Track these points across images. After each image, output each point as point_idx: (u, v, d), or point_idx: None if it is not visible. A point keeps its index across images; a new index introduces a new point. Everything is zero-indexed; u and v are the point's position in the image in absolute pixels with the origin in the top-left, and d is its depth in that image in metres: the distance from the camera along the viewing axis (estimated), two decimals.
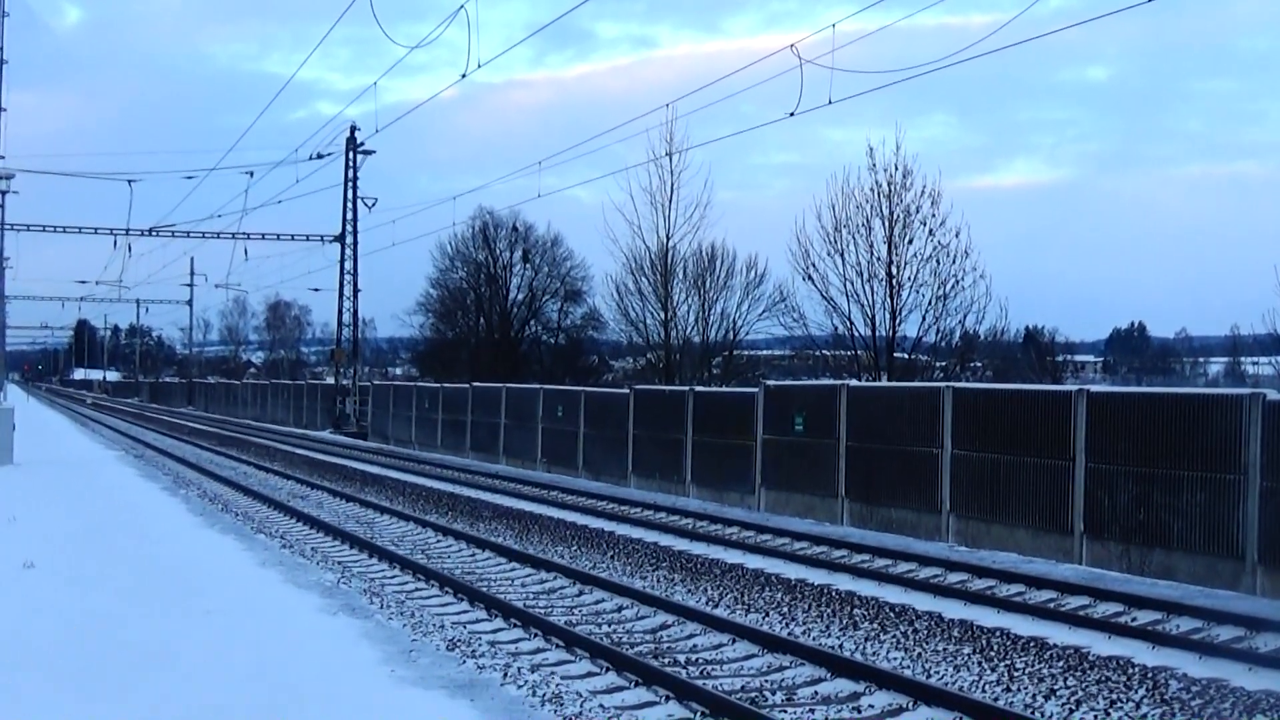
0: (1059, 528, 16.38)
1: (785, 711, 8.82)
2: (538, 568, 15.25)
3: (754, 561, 15.75)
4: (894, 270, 33.21)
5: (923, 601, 12.80)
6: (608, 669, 10.00)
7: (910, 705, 8.95)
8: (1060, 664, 10.15)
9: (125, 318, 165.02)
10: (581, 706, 8.66)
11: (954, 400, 18.52)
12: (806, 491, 21.75)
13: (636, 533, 18.69)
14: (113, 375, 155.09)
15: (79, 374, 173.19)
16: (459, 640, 10.67)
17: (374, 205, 53.01)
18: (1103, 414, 15.97)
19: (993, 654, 10.54)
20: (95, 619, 10.71)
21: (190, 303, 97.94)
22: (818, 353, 37.87)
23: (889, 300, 33.38)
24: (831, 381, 26.00)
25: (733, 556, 16.21)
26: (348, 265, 54.05)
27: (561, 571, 14.77)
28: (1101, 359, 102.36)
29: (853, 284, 33.84)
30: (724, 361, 47.14)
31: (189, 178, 45.85)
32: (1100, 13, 16.86)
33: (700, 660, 10.46)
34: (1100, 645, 10.77)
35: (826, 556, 16.38)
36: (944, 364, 34.67)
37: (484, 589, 13.62)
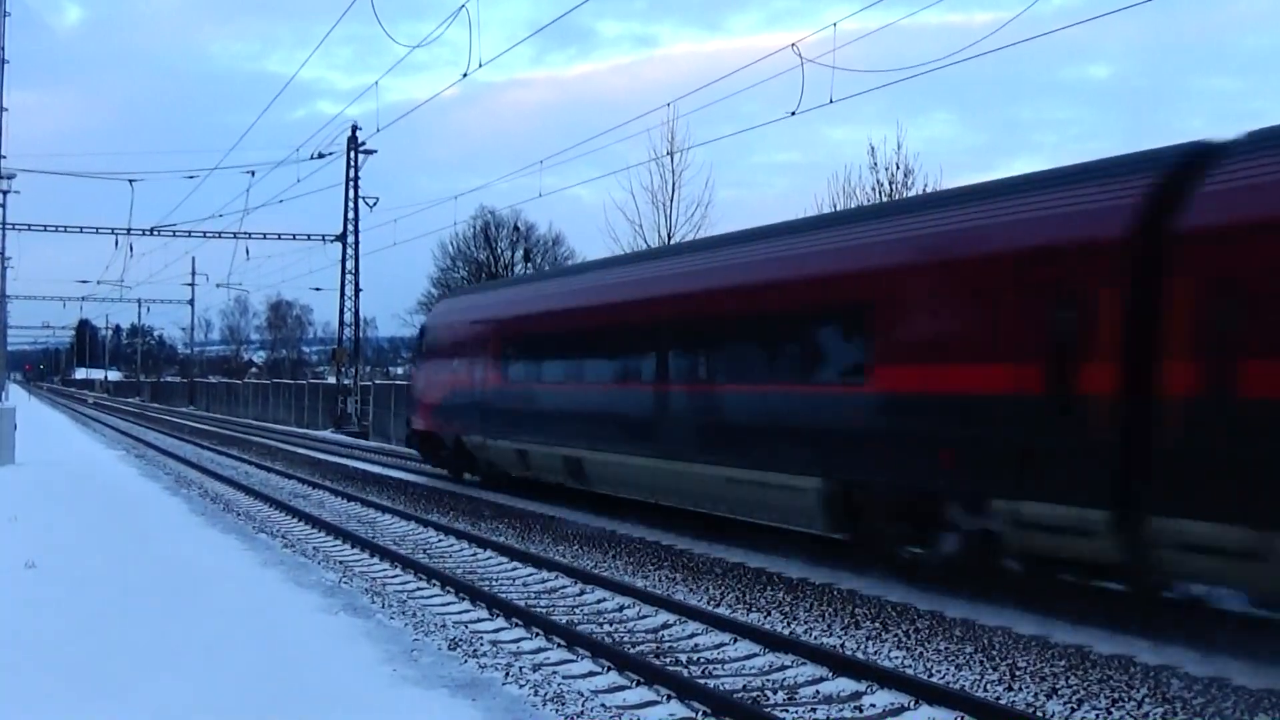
0: None
1: (787, 710, 8.82)
2: (539, 567, 15.26)
3: (756, 560, 15.73)
4: None
5: (924, 601, 12.79)
6: (609, 668, 10.01)
7: (912, 704, 8.94)
8: (1062, 663, 10.14)
9: (126, 317, 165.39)
10: (583, 706, 8.66)
11: None
12: None
13: (638, 531, 18.67)
14: (114, 375, 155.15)
15: (80, 374, 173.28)
16: (460, 640, 10.67)
17: (375, 205, 53.04)
18: None
19: (994, 653, 10.53)
20: (96, 618, 10.71)
21: (192, 302, 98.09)
22: None
23: None
24: None
25: (735, 556, 16.19)
26: (349, 265, 54.06)
27: (563, 571, 14.78)
28: None
29: None
30: None
31: (190, 177, 45.87)
32: (1102, 11, 16.86)
33: (702, 659, 10.46)
34: (1101, 644, 10.76)
35: (827, 556, 16.34)
36: None
37: (485, 588, 13.63)
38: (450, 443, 26.68)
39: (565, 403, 21.62)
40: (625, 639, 11.24)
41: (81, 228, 54.09)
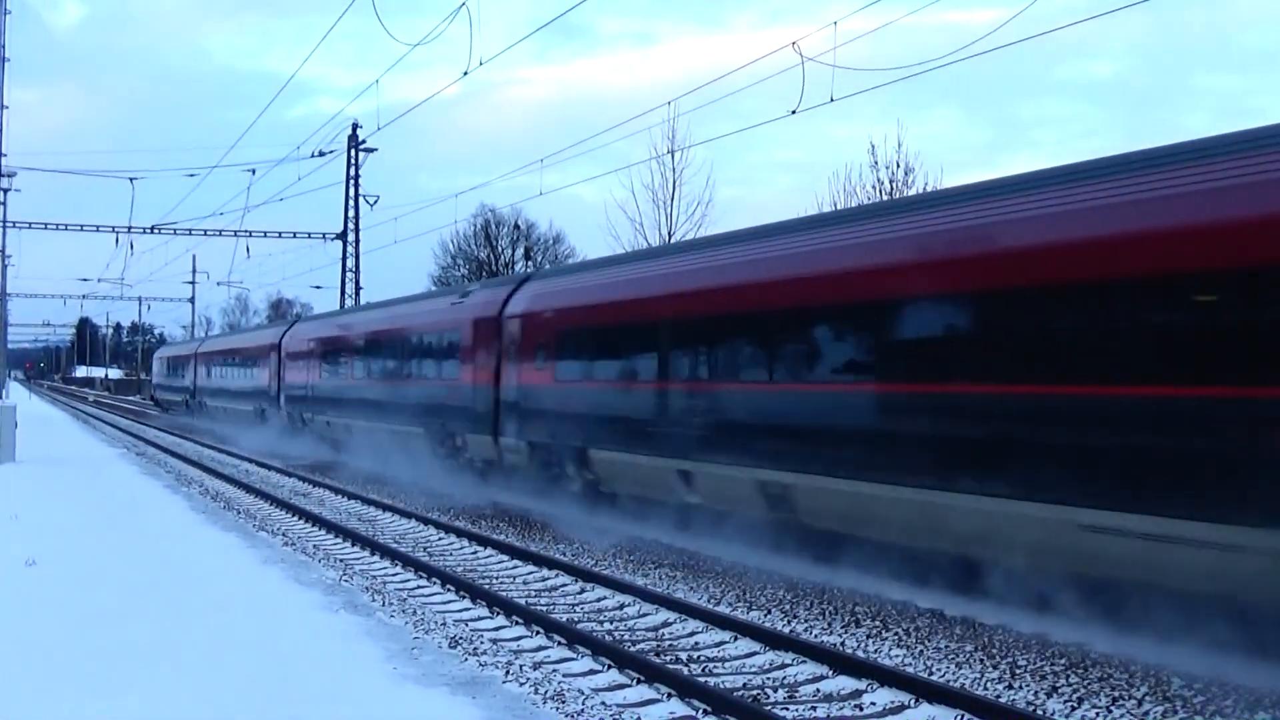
0: None
1: (787, 709, 8.83)
2: (539, 565, 15.26)
3: (755, 558, 15.73)
4: None
5: (924, 599, 12.79)
6: (610, 666, 10.01)
7: (912, 703, 8.94)
8: (1063, 661, 10.14)
9: (127, 315, 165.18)
10: (583, 704, 8.66)
11: None
12: None
13: (637, 530, 18.67)
14: (115, 373, 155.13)
15: (81, 372, 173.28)
16: (461, 638, 10.67)
17: (376, 203, 53.01)
18: None
19: (995, 651, 10.53)
20: (97, 616, 10.71)
21: (192, 300, 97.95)
22: None
23: None
24: None
25: (734, 554, 16.19)
26: (349, 263, 54.02)
27: (563, 569, 14.78)
28: None
29: None
30: None
31: (191, 175, 46.02)
32: (1103, 9, 16.82)
33: (702, 657, 10.46)
34: (1101, 643, 10.75)
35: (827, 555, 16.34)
36: None
37: (486, 586, 13.63)
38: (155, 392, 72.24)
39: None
40: (625, 637, 11.24)
41: (82, 226, 54.06)
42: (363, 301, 50.91)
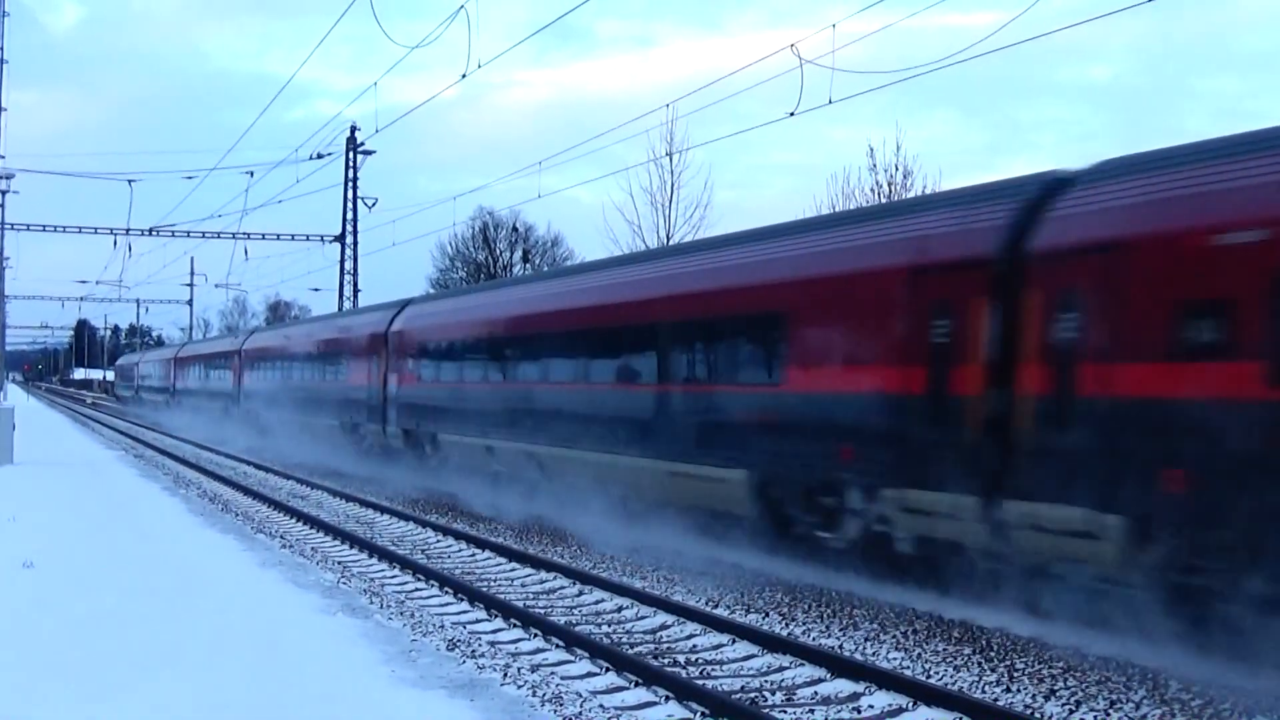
0: None
1: (785, 711, 8.83)
2: (537, 567, 15.26)
3: (753, 561, 15.73)
4: None
5: (922, 602, 12.79)
6: (608, 669, 10.01)
7: (910, 705, 8.95)
8: (1060, 664, 10.15)
9: (125, 317, 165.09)
10: (581, 707, 8.66)
11: None
12: None
13: (635, 532, 18.66)
14: (112, 375, 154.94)
15: (79, 374, 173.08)
16: (459, 640, 10.67)
17: (374, 205, 53.00)
18: None
19: (992, 654, 10.53)
20: (95, 618, 10.70)
21: (190, 302, 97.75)
22: None
23: None
24: None
25: (732, 556, 16.20)
26: (348, 265, 54.01)
27: (561, 571, 14.77)
28: None
29: None
30: None
31: (189, 178, 45.85)
32: (1103, 12, 16.83)
33: (700, 660, 10.46)
34: (1099, 645, 10.75)
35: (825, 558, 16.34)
36: None
37: (484, 589, 13.63)
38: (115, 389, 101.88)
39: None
40: (624, 640, 11.24)
41: (80, 228, 54.04)
42: (361, 304, 51.03)
